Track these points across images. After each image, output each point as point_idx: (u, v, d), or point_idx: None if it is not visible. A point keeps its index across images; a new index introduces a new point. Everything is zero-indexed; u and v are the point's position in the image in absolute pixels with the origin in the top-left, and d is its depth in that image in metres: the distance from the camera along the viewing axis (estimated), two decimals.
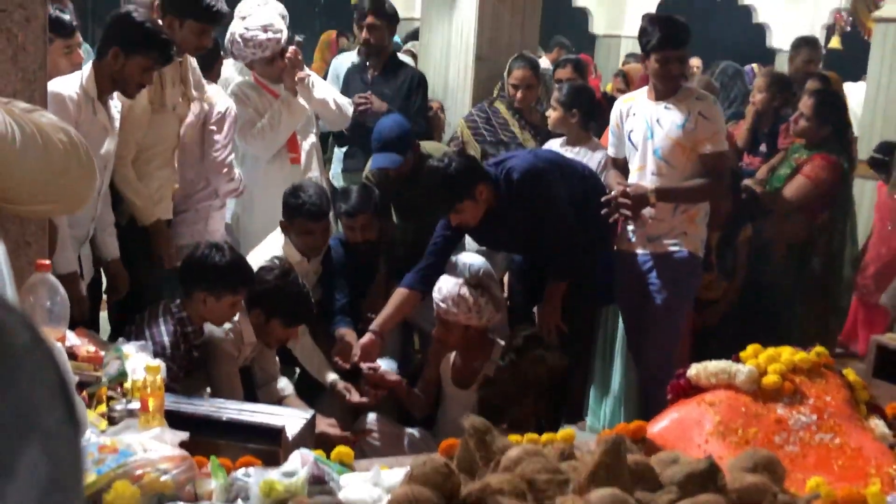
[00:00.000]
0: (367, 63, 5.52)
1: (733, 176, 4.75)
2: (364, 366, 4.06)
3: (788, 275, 5.06)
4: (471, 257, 4.49)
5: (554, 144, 4.95)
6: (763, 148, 5.55)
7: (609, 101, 5.34)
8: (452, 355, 4.06)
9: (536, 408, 3.75)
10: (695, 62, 8.59)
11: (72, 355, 2.57)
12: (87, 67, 3.72)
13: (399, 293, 4.23)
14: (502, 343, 3.95)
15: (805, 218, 5.03)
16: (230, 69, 5.14)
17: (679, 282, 4.26)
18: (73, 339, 2.66)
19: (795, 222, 5.02)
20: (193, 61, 4.29)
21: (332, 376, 4.12)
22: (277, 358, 4.06)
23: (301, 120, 4.77)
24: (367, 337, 4.13)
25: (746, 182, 5.08)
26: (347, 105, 5.02)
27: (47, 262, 2.37)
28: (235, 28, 4.43)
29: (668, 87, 4.17)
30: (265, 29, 4.55)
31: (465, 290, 3.83)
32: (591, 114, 4.99)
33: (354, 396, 4.05)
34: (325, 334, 4.30)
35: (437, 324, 3.96)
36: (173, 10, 4.03)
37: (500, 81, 5.47)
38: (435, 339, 4.04)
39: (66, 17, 4.00)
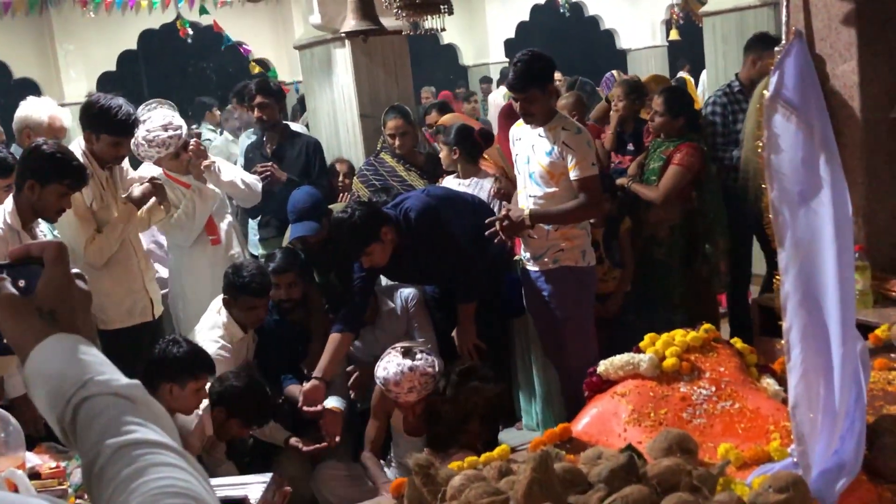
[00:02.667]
0: (264, 138, 5.49)
1: (605, 177, 4.83)
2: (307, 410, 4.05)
3: (676, 252, 5.18)
4: (404, 288, 4.53)
5: (450, 181, 4.98)
6: (630, 147, 5.65)
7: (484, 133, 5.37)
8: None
9: (480, 429, 3.78)
10: (556, 76, 8.63)
11: (35, 475, 2.49)
12: (9, 202, 3.67)
13: (332, 339, 4.19)
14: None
15: (680, 200, 5.17)
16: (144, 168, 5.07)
17: (568, 294, 4.23)
18: (33, 459, 2.59)
19: (673, 206, 5.14)
20: (125, 163, 4.31)
21: (283, 435, 4.09)
22: None
23: (214, 204, 4.72)
24: (310, 384, 4.11)
25: (620, 181, 5.18)
26: (255, 182, 4.98)
27: None
28: (138, 133, 4.37)
29: (527, 120, 4.16)
30: (165, 128, 4.50)
31: (405, 371, 3.75)
32: (473, 148, 5.03)
33: (307, 446, 4.04)
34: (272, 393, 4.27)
35: (380, 396, 3.94)
36: (88, 127, 4.02)
37: (380, 136, 5.49)
38: (376, 406, 4.02)
39: (7, 157, 3.95)
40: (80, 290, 1.04)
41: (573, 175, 4.07)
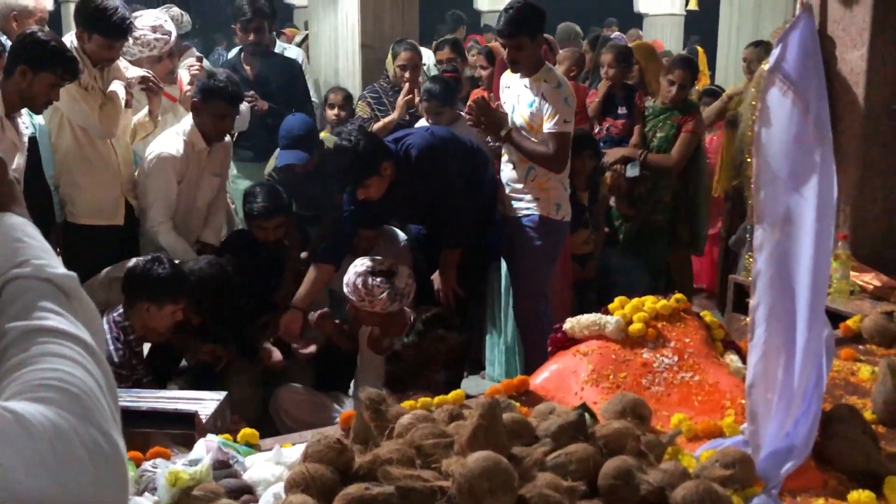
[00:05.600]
0: (241, 59, 5.38)
1: (586, 139, 4.86)
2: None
3: (673, 216, 5.30)
4: (397, 231, 4.59)
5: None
6: (622, 110, 5.56)
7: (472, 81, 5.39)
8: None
9: (440, 375, 3.78)
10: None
11: None
12: None
13: (313, 269, 4.18)
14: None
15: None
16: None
17: (533, 243, 4.30)
18: None
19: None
20: (120, 63, 4.24)
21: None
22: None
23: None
24: (288, 313, 4.11)
25: (620, 151, 5.18)
26: (245, 110, 4.91)
27: None
28: None
29: (514, 69, 4.26)
30: (154, 29, 4.44)
31: (359, 281, 3.74)
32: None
33: (276, 356, 4.18)
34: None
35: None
36: (82, 25, 3.95)
37: (382, 68, 5.42)
38: (350, 314, 4.02)
39: None
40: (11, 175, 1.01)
41: (545, 127, 4.16)
